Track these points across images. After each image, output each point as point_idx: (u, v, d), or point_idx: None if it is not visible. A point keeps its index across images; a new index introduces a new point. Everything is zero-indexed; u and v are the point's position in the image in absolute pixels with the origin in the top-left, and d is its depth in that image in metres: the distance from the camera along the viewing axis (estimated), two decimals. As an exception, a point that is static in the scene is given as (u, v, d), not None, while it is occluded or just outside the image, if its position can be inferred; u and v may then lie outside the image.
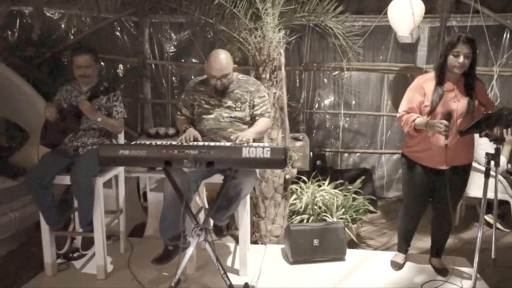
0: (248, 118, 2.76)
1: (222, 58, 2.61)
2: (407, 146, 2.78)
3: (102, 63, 4.70)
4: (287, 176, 3.42)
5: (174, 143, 2.50)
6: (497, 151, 2.18)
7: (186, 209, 2.43)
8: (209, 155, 2.21)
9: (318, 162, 4.51)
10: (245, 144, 2.32)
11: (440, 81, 2.55)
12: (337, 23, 3.49)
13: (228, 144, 2.40)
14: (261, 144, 2.41)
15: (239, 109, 2.73)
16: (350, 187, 3.74)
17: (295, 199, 3.58)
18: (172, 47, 4.84)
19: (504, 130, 3.66)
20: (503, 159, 3.66)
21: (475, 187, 3.67)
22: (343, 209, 3.49)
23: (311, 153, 4.48)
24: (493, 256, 2.24)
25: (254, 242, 3.40)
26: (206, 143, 2.44)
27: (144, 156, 2.23)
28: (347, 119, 4.79)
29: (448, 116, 2.42)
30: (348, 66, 4.59)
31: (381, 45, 4.60)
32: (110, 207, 3.24)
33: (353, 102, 4.75)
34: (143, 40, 4.76)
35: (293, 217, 3.50)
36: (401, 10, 3.47)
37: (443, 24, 4.29)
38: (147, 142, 2.40)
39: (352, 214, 3.49)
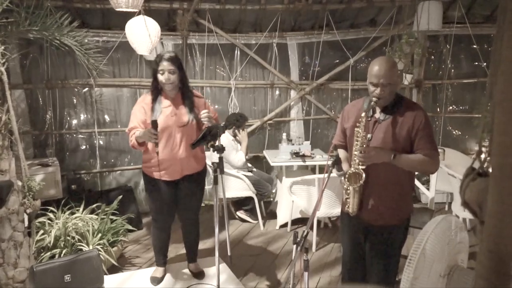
0: None
1: None
2: (143, 162, 2.90)
3: None
4: (29, 210, 3.01)
5: None
6: (221, 160, 2.43)
7: None
8: None
9: (74, 187, 4.17)
10: None
11: (155, 98, 2.71)
12: (74, 39, 3.29)
13: None
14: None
15: None
16: (107, 209, 3.58)
17: (42, 234, 3.20)
18: None
19: (237, 131, 4.26)
20: (241, 155, 4.19)
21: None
22: (100, 234, 3.31)
23: (65, 178, 4.10)
24: (228, 253, 2.50)
25: (-8, 295, 2.86)
26: None
27: None
28: (103, 137, 4.60)
29: (154, 124, 2.55)
30: (97, 83, 4.41)
31: (130, 60, 4.59)
32: None
33: (108, 119, 4.59)
34: None
35: (42, 254, 3.11)
36: (137, 31, 3.52)
37: (185, 41, 4.61)
38: None
39: (110, 237, 3.35)
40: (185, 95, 2.77)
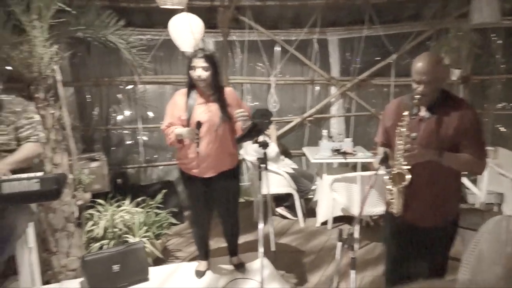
0: (14, 143, 2.40)
1: None
2: (178, 159, 2.92)
3: None
4: (80, 202, 3.15)
5: None
6: (265, 155, 2.44)
7: None
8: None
9: (119, 181, 4.30)
10: (6, 178, 2.01)
11: (189, 94, 2.75)
12: (120, 37, 3.39)
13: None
14: (31, 175, 2.13)
15: (4, 132, 2.36)
16: (152, 202, 3.68)
17: (92, 225, 3.32)
18: None
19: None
20: (274, 146, 4.20)
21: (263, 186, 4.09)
22: (146, 227, 3.40)
23: (110, 172, 4.24)
24: (272, 249, 2.51)
25: (46, 282, 3.00)
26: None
27: None
28: (146, 133, 4.72)
29: (198, 124, 2.62)
30: (141, 80, 4.53)
31: (172, 58, 4.68)
32: None
33: (151, 115, 4.71)
34: None
35: (91, 245, 3.24)
36: (181, 28, 3.58)
37: (225, 38, 4.64)
38: None
39: (155, 230, 3.44)
40: (219, 92, 2.77)
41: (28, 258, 2.58)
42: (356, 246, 3.66)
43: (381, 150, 2.26)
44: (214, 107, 2.76)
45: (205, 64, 2.65)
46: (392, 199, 2.17)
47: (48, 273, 3.04)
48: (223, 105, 2.75)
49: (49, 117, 2.95)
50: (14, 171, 2.22)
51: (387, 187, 2.16)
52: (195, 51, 2.73)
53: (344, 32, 4.85)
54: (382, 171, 2.15)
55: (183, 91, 2.82)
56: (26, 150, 2.39)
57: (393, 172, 2.09)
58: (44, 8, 2.82)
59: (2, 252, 2.26)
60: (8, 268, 2.65)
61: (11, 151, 2.37)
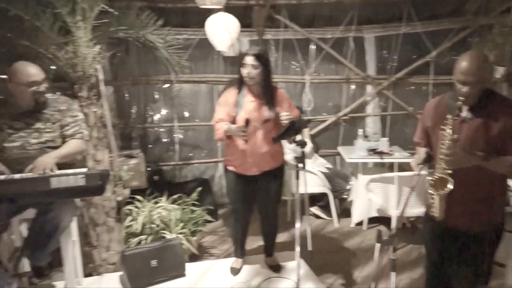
0: (59, 140, 2.50)
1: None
2: (225, 155, 2.96)
3: None
4: (119, 198, 3.24)
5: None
6: (303, 154, 2.42)
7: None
8: (9, 191, 1.92)
9: (156, 178, 4.40)
10: (54, 173, 2.09)
11: (240, 91, 2.76)
12: (158, 36, 3.46)
13: (34, 175, 2.12)
14: (76, 171, 2.21)
15: (49, 130, 2.46)
16: (188, 199, 3.74)
17: (131, 220, 3.41)
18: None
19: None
20: (309, 143, 4.16)
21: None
22: (182, 223, 3.46)
23: (148, 169, 4.34)
24: (309, 248, 2.49)
25: (88, 274, 3.11)
26: (4, 177, 2.12)
27: None
28: (182, 131, 4.80)
29: (247, 121, 2.62)
30: (177, 79, 4.60)
31: (207, 57, 4.73)
32: None
33: (186, 114, 4.78)
34: None
35: (130, 240, 3.32)
36: (217, 27, 3.61)
37: (260, 37, 4.65)
38: None
39: (191, 227, 3.49)
40: (268, 91, 2.77)
41: (72, 251, 2.68)
42: (386, 248, 3.61)
43: (421, 151, 2.19)
44: (263, 106, 2.76)
45: (255, 63, 2.66)
46: (433, 202, 2.10)
47: (90, 266, 3.15)
48: (272, 105, 2.75)
49: (92, 115, 3.05)
50: (58, 167, 2.30)
51: (429, 190, 2.09)
52: (248, 49, 2.75)
53: (381, 30, 4.75)
54: (424, 171, 2.09)
55: (234, 88, 2.83)
56: (71, 146, 2.47)
57: (435, 176, 2.02)
58: (88, 9, 2.92)
59: (48, 244, 2.36)
60: (56, 260, 2.75)
61: (56, 147, 2.46)
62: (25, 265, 2.67)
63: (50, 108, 2.50)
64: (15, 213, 2.40)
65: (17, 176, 2.14)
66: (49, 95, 2.55)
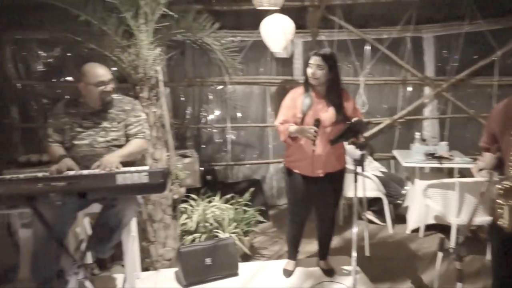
0: (123, 139, 2.60)
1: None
2: (286, 156, 2.92)
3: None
4: (175, 196, 3.33)
5: (40, 174, 2.25)
6: (363, 157, 2.36)
7: (59, 246, 2.20)
8: (80, 186, 2.02)
9: (209, 177, 4.48)
10: (119, 170, 2.18)
11: (305, 93, 2.73)
12: (215, 39, 3.52)
13: (101, 171, 2.23)
14: (139, 168, 2.29)
15: (115, 129, 2.58)
16: (240, 199, 3.77)
17: (186, 218, 3.49)
18: (41, 66, 4.42)
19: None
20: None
21: (352, 188, 3.98)
22: (235, 223, 3.49)
23: (201, 169, 4.43)
24: (367, 254, 2.43)
25: (145, 269, 3.22)
26: (74, 172, 2.24)
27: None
28: (234, 132, 4.86)
29: (317, 122, 2.59)
30: (230, 80, 4.66)
31: (260, 59, 4.76)
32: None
33: (239, 115, 4.83)
34: (4, 58, 4.26)
35: (185, 237, 3.41)
36: (272, 29, 3.62)
37: (314, 39, 4.61)
38: (7, 176, 2.12)
39: (243, 227, 3.52)
40: (335, 92, 2.72)
41: (131, 245, 2.78)
42: (453, 257, 3.44)
43: (487, 156, 2.07)
44: (329, 107, 2.72)
45: (321, 63, 2.62)
46: (502, 213, 1.98)
47: (147, 261, 3.26)
48: (339, 106, 2.71)
49: (152, 115, 3.16)
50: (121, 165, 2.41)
51: (497, 200, 1.97)
52: (315, 50, 2.69)
53: (441, 29, 4.56)
54: (484, 177, 1.97)
55: (300, 89, 2.81)
56: (134, 145, 2.57)
57: (505, 185, 1.91)
58: (150, 13, 3.02)
59: (112, 238, 2.46)
60: (117, 253, 2.87)
61: (120, 146, 2.57)
62: (88, 257, 2.81)
63: (116, 108, 2.62)
64: (81, 208, 2.53)
65: (85, 172, 2.25)
66: (114, 96, 2.67)
